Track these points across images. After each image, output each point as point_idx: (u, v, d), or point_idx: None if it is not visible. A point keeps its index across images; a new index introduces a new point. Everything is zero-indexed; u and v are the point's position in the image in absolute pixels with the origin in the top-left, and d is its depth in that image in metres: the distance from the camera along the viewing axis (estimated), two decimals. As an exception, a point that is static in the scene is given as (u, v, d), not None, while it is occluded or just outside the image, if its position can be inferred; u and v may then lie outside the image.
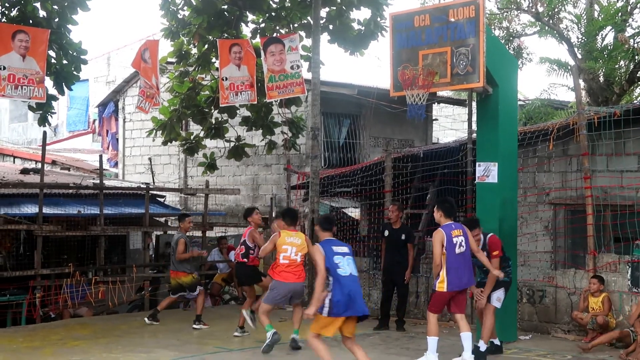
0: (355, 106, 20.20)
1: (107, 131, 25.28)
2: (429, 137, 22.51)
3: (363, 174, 15.75)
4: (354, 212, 19.39)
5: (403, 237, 12.60)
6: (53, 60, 14.05)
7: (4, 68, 12.54)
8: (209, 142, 17.90)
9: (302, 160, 18.98)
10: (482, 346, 9.81)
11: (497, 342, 10.38)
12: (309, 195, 14.94)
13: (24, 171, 19.14)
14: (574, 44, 22.13)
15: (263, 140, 17.44)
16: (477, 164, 11.63)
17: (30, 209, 14.84)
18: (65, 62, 14.29)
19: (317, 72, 14.84)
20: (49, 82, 13.84)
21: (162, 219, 19.49)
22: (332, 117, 20.16)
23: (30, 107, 14.94)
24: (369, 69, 44.88)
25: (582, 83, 20.80)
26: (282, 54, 14.39)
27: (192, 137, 17.66)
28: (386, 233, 12.79)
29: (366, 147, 20.73)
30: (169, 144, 17.89)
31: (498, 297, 10.09)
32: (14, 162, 25.26)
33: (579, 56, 21.90)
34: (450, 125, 25.27)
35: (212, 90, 16.39)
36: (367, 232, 16.49)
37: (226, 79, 14.51)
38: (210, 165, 17.83)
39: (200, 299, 13.06)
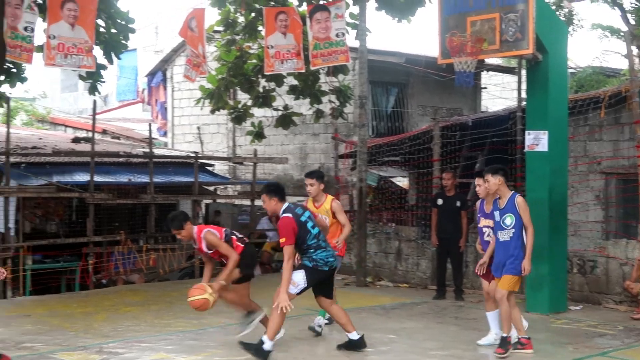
0: (402, 74, 20.05)
1: (156, 100, 25.47)
2: (477, 106, 22.28)
3: (411, 143, 15.67)
4: (402, 182, 19.32)
5: (458, 204, 12.55)
6: (102, 29, 14.20)
7: (54, 37, 12.69)
8: (256, 111, 17.95)
9: (349, 129, 18.93)
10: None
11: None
12: (357, 164, 14.91)
13: (76, 140, 19.41)
14: (626, 9, 21.64)
15: (310, 109, 17.41)
16: (526, 132, 11.49)
17: (82, 177, 15.06)
18: (113, 31, 14.44)
19: (363, 40, 14.75)
20: (98, 51, 13.98)
21: (211, 188, 19.65)
22: (379, 86, 20.05)
23: (80, 77, 15.15)
24: (417, 36, 44.44)
25: (635, 50, 20.36)
26: (327, 21, 14.28)
27: (240, 106, 17.72)
28: (439, 202, 12.70)
29: (414, 115, 20.59)
30: (217, 112, 17.99)
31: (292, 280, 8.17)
32: (65, 131, 25.66)
33: (632, 22, 21.42)
34: (500, 93, 24.95)
35: (259, 59, 16.36)
36: (415, 201, 16.44)
37: (272, 47, 14.48)
38: (258, 134, 17.88)
39: None
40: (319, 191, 9.67)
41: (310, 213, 8.43)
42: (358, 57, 15.00)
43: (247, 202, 17.87)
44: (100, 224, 15.56)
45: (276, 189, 8.39)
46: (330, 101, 17.18)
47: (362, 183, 14.60)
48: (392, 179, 19.30)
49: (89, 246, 14.58)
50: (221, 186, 20.59)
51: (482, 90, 22.91)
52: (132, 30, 14.71)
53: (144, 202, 15.90)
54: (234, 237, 8.77)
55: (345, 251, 10.08)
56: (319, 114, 17.29)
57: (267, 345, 8.00)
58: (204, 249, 8.61)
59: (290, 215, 8.04)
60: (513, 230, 8.40)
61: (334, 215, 9.60)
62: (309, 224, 8.17)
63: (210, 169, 19.12)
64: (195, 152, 17.73)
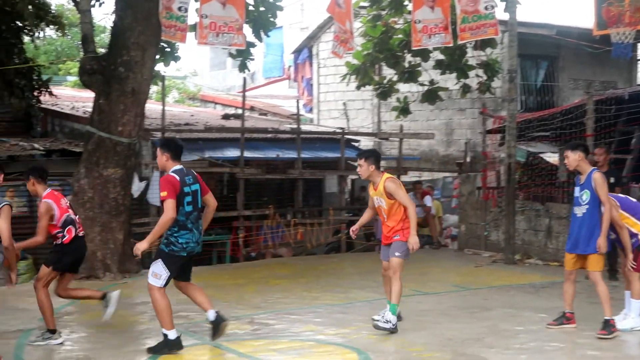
0: (553, 47, 19.44)
1: (302, 77, 25.77)
2: (633, 79, 21.32)
3: (562, 118, 15.16)
4: (552, 157, 18.75)
5: (612, 180, 12.01)
6: (251, 8, 14.46)
7: (206, 16, 13.06)
8: (402, 86, 17.85)
9: (497, 104, 18.54)
10: None
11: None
12: (506, 139, 14.59)
13: (225, 117, 19.98)
14: None
15: (457, 83, 17.16)
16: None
17: (232, 153, 15.47)
18: (262, 9, 14.68)
19: (513, 12, 14.35)
20: (247, 30, 14.27)
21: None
22: (528, 59, 19.52)
23: (230, 54, 15.53)
24: (569, 7, 42.86)
25: None
26: (476, -7, 13.99)
27: (385, 81, 17.69)
28: None
29: (564, 89, 19.95)
30: (362, 88, 18.03)
31: (154, 272, 7.54)
32: (215, 108, 26.41)
33: None
34: (658, 65, 23.76)
35: (405, 34, 16.26)
36: (566, 177, 15.91)
37: (419, 21, 14.32)
38: (404, 110, 17.79)
39: None
40: (371, 172, 8.46)
41: (200, 188, 7.55)
42: (507, 30, 14.63)
43: (393, 177, 17.86)
44: (250, 199, 15.94)
45: (169, 145, 7.60)
46: (477, 75, 16.87)
47: (510, 159, 14.28)
48: (542, 155, 18.75)
49: (239, 220, 15.00)
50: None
51: (639, 62, 21.89)
52: (280, 8, 14.92)
53: (292, 177, 16.17)
54: (72, 227, 8.02)
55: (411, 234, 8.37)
56: (465, 89, 17.02)
57: (171, 334, 7.47)
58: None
59: (176, 176, 7.34)
60: (587, 206, 8.17)
61: (389, 197, 8.34)
62: (187, 199, 7.37)
63: (355, 144, 19.20)
64: (342, 128, 17.84)
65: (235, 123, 17.45)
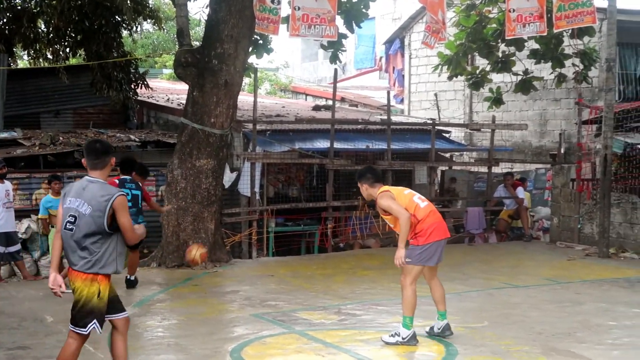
0: (654, 35, 18.79)
1: (393, 68, 25.66)
2: None
3: (663, 108, 14.68)
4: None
5: None
6: (343, -1, 14.49)
7: (299, 8, 13.15)
8: (495, 76, 17.62)
9: (594, 93, 18.07)
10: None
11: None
12: (602, 130, 14.21)
13: (316, 108, 20.08)
14: None
15: (552, 73, 16.80)
16: None
17: (322, 144, 15.52)
18: (354, 0, 14.68)
19: (613, 0, 13.95)
20: (339, 21, 14.29)
21: (447, 154, 19.57)
22: (628, 48, 18.94)
23: (322, 46, 15.59)
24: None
25: None
26: (573, -19, 13.66)
27: (477, 72, 17.49)
28: None
29: (666, 79, 19.28)
30: (454, 79, 17.86)
31: None
32: (306, 100, 26.57)
33: None
34: None
35: (499, 23, 16.02)
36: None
37: (513, 10, 14.10)
38: (496, 100, 17.55)
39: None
40: (369, 192, 7.67)
41: (142, 194, 10.13)
42: (606, 18, 14.22)
43: (483, 169, 17.62)
44: (339, 190, 15.98)
45: (122, 163, 10.06)
46: (573, 65, 16.48)
47: (607, 150, 13.90)
48: (640, 146, 18.20)
49: (328, 211, 15.06)
50: (457, 153, 20.45)
51: None
52: (373, -1, 14.90)
53: (382, 169, 16.10)
54: None
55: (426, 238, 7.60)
56: (561, 79, 16.66)
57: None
58: None
59: (116, 181, 9.57)
60: None
61: (386, 212, 7.53)
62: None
63: (446, 135, 19.03)
64: (432, 119, 17.71)
65: (325, 114, 17.51)
